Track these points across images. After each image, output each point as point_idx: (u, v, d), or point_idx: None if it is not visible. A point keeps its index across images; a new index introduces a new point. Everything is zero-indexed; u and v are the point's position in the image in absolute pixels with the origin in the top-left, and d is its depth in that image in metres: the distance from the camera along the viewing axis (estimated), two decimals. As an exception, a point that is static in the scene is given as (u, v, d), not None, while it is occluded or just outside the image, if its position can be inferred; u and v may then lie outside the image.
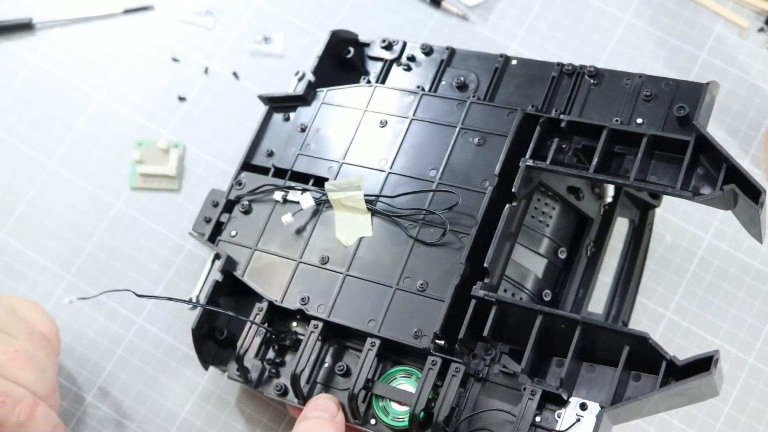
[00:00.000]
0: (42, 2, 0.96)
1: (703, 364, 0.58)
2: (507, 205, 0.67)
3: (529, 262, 0.73)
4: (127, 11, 0.95)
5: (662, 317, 0.81)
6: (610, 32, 0.90)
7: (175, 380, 0.82)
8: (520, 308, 0.65)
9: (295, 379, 0.67)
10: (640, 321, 0.81)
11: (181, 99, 0.92)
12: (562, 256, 0.75)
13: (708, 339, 0.80)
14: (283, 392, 0.69)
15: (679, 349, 0.80)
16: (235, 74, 0.92)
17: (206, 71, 0.93)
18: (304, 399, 0.68)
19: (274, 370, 0.71)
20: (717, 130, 0.85)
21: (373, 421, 0.66)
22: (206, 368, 0.74)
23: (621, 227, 0.82)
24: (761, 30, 0.89)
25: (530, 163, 0.69)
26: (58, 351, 0.76)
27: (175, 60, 0.93)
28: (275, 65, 0.92)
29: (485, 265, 0.66)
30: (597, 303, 0.80)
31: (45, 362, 0.72)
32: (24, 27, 0.95)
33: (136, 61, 0.94)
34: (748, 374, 0.79)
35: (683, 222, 0.84)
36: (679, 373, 0.60)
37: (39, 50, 0.94)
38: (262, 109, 0.81)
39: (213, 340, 0.74)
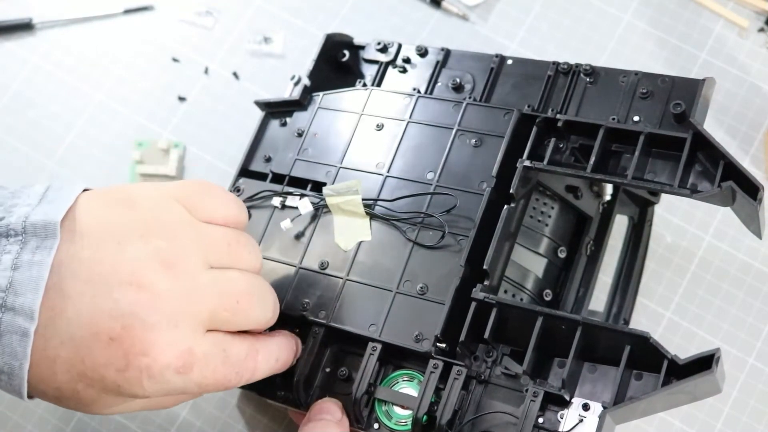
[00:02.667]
0: (42, 2, 0.96)
1: (705, 363, 0.58)
2: (505, 207, 0.67)
3: (529, 262, 0.73)
4: (127, 11, 0.95)
5: (662, 317, 0.81)
6: (610, 32, 0.90)
7: (175, 381, 0.82)
8: (521, 310, 0.65)
9: (297, 385, 0.68)
10: (640, 321, 0.81)
11: (181, 99, 0.92)
12: (562, 255, 0.75)
13: (708, 339, 0.80)
14: (286, 398, 0.69)
15: (679, 349, 0.80)
16: (235, 74, 0.92)
17: (206, 71, 0.93)
18: (306, 405, 0.68)
19: (276, 377, 0.70)
20: (717, 130, 0.85)
21: (376, 426, 0.66)
22: None
23: (620, 225, 0.82)
24: (761, 30, 0.89)
25: (527, 163, 0.69)
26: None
27: (175, 60, 0.93)
28: (275, 65, 0.92)
29: (485, 267, 0.66)
30: (598, 301, 0.80)
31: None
32: (24, 27, 0.95)
33: (136, 61, 0.94)
34: (748, 374, 0.79)
35: (683, 222, 0.84)
36: (681, 372, 0.60)
37: (39, 50, 0.95)
38: (260, 114, 0.81)
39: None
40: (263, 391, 0.70)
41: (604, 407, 0.61)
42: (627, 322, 0.80)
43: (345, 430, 0.65)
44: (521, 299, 0.72)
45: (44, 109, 0.92)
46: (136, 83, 0.93)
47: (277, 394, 0.69)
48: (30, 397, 0.56)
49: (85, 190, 0.58)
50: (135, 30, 0.95)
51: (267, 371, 0.63)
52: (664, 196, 0.82)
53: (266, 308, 0.62)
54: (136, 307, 0.55)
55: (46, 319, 0.54)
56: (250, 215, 0.74)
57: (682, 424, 0.78)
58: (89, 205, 0.57)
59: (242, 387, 0.71)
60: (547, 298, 0.73)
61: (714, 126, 0.85)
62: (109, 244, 0.56)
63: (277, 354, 0.64)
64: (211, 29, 0.94)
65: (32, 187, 0.57)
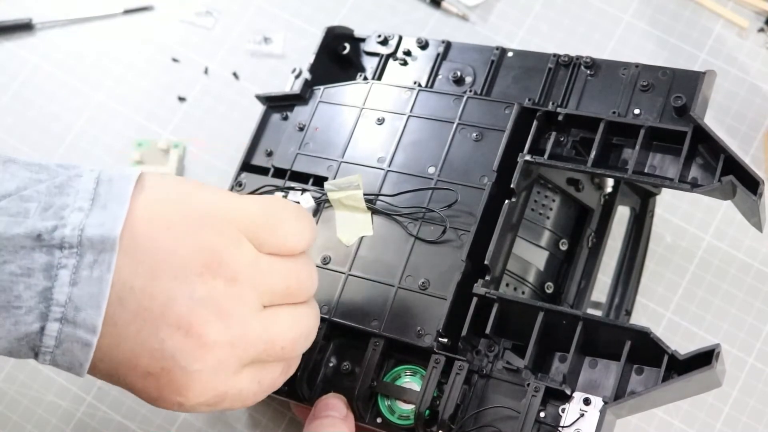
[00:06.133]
0: (42, 2, 0.96)
1: (705, 358, 0.59)
2: (506, 202, 0.67)
3: (531, 255, 0.73)
4: (127, 11, 0.95)
5: (662, 317, 0.81)
6: (610, 32, 0.90)
7: (174, 380, 0.82)
8: (522, 305, 0.65)
9: (300, 380, 0.68)
10: (640, 321, 0.81)
11: (181, 99, 0.92)
12: (564, 247, 0.75)
13: (708, 339, 0.80)
14: (290, 392, 0.69)
15: (680, 349, 0.79)
16: (235, 74, 0.92)
17: (206, 71, 0.93)
18: (309, 400, 0.68)
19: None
20: (717, 130, 0.84)
21: (379, 420, 0.66)
22: None
23: (622, 217, 0.82)
24: (761, 30, 0.89)
25: (528, 158, 0.69)
26: None
27: (175, 60, 0.93)
28: (275, 65, 0.92)
29: (486, 262, 0.66)
30: (600, 293, 0.81)
31: None
32: (24, 27, 0.95)
33: (136, 61, 0.94)
34: (748, 374, 0.79)
35: (683, 222, 0.84)
36: (681, 367, 0.60)
37: (39, 50, 0.95)
38: (262, 108, 0.81)
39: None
40: None
41: (605, 402, 0.61)
42: (629, 313, 0.80)
43: (351, 425, 0.65)
44: (523, 292, 0.72)
45: (44, 109, 0.92)
46: (136, 83, 0.93)
47: (282, 389, 0.69)
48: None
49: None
50: (135, 30, 0.95)
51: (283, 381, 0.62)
52: (664, 194, 0.82)
53: (308, 344, 0.61)
54: (180, 353, 0.53)
55: (108, 328, 0.53)
56: None
57: (682, 424, 0.78)
58: (150, 220, 0.54)
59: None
60: (549, 291, 0.73)
61: (714, 126, 0.85)
62: (163, 278, 0.53)
63: (296, 366, 0.63)
64: (211, 29, 0.94)
65: (80, 179, 0.54)
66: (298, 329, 0.59)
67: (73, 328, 0.52)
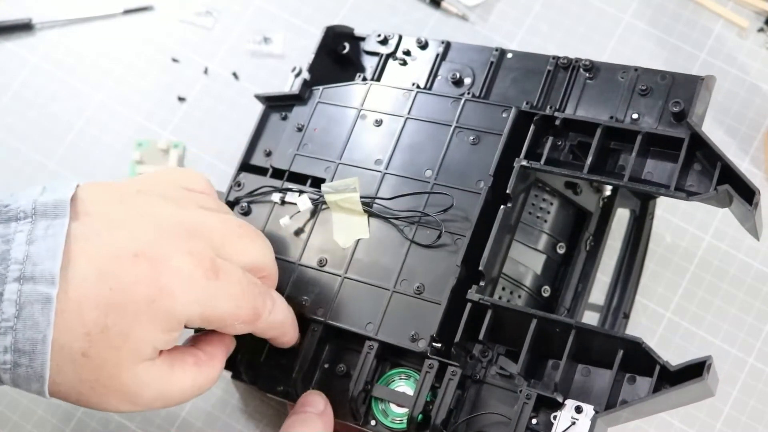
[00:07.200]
0: (42, 2, 0.96)
1: (696, 369, 0.58)
2: (501, 207, 0.67)
3: (528, 259, 0.73)
4: (127, 11, 0.95)
5: (662, 317, 0.81)
6: (610, 32, 0.90)
7: (174, 380, 0.82)
8: (515, 312, 0.65)
9: (295, 381, 0.68)
10: (640, 321, 0.81)
11: (181, 99, 0.92)
12: (561, 251, 0.75)
13: (708, 339, 0.80)
14: (286, 394, 0.69)
15: (679, 349, 0.80)
16: (234, 74, 0.92)
17: (206, 71, 0.93)
18: None
19: (276, 372, 0.70)
20: (716, 130, 0.85)
21: (372, 423, 0.67)
22: None
23: (621, 220, 0.82)
24: (761, 30, 0.89)
25: (524, 163, 0.68)
26: None
27: (175, 60, 0.93)
28: (275, 65, 0.92)
29: (480, 268, 0.66)
30: (598, 295, 0.81)
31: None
32: (24, 27, 0.95)
33: (136, 61, 0.94)
34: (748, 374, 0.79)
35: (683, 222, 0.84)
36: (673, 378, 0.60)
37: (39, 50, 0.95)
38: (261, 108, 0.81)
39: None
40: (263, 385, 0.71)
41: (596, 410, 0.61)
42: (627, 316, 0.80)
43: (328, 420, 0.66)
44: (519, 296, 0.72)
45: (44, 109, 0.92)
46: (136, 83, 0.93)
47: (277, 389, 0.70)
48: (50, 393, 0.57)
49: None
50: (135, 30, 0.95)
51: (281, 322, 0.65)
52: (664, 193, 0.82)
53: (262, 246, 0.66)
54: (154, 230, 0.58)
55: (65, 264, 0.55)
56: (250, 211, 0.74)
57: (682, 424, 0.78)
58: (86, 190, 0.59)
59: (243, 381, 0.71)
60: (546, 295, 0.73)
61: (714, 126, 0.85)
62: (114, 200, 0.60)
63: (287, 312, 0.66)
64: (211, 29, 0.94)
65: (28, 189, 0.58)
66: (237, 222, 0.65)
67: (33, 285, 0.54)
